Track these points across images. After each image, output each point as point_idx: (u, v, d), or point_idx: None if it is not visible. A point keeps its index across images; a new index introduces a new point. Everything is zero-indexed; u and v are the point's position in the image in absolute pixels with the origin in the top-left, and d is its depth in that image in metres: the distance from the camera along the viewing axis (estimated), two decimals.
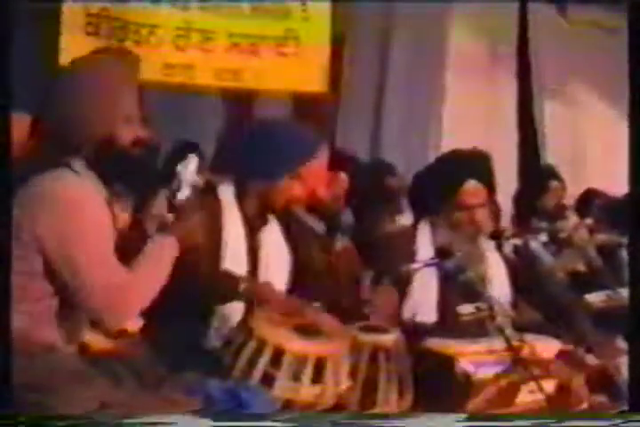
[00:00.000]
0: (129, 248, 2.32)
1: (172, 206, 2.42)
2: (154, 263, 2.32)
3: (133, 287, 2.24)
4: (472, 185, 3.25)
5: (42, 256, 2.19)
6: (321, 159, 2.92)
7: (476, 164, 3.31)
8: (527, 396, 2.84)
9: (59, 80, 2.40)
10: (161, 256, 2.33)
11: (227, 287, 2.76)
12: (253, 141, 2.95)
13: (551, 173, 5.34)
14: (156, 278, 2.31)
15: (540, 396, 2.74)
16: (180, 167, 2.47)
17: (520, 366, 2.77)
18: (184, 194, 2.43)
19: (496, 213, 3.49)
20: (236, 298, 2.78)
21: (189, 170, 2.46)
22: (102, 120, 2.29)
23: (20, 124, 2.36)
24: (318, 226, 3.40)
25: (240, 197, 2.94)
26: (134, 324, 2.67)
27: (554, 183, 5.18)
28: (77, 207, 2.20)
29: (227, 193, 2.94)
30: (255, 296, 2.76)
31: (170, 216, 2.40)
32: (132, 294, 2.24)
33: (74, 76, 2.37)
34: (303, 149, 2.89)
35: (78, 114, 2.28)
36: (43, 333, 2.23)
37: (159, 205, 2.52)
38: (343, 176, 4.35)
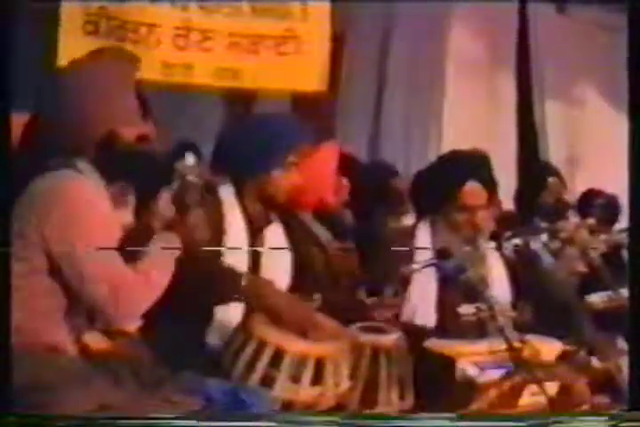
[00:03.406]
0: (134, 245, 2.33)
1: (174, 204, 2.42)
2: (158, 263, 2.33)
3: (139, 287, 2.24)
4: (473, 186, 3.25)
5: (47, 256, 2.19)
6: (322, 154, 2.92)
7: (476, 165, 3.30)
8: (529, 398, 2.85)
9: (57, 80, 2.41)
10: (164, 255, 2.34)
11: (228, 284, 2.75)
12: (244, 135, 2.96)
13: (548, 170, 5.33)
14: (160, 278, 2.32)
15: (542, 398, 2.74)
16: (178, 165, 2.47)
17: (523, 369, 2.76)
18: (184, 191, 2.44)
19: (497, 214, 3.48)
20: (237, 295, 2.77)
21: (188, 166, 2.47)
22: (102, 119, 2.30)
23: (20, 124, 2.36)
24: (322, 233, 3.39)
25: (240, 196, 2.94)
26: (134, 324, 2.67)
27: (552, 179, 5.17)
28: (83, 207, 2.21)
29: (227, 193, 2.94)
30: (256, 293, 2.76)
31: (171, 214, 2.41)
32: (137, 294, 2.25)
33: (71, 76, 2.39)
34: (290, 137, 2.91)
35: (78, 114, 2.29)
36: (48, 332, 2.23)
37: (161, 204, 2.52)
38: (344, 181, 4.34)
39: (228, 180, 2.96)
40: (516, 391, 2.84)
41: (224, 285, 2.73)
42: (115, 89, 2.34)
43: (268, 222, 2.99)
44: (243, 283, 2.70)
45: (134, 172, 2.39)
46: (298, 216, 3.14)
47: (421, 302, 3.22)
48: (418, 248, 3.27)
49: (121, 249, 2.27)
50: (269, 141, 2.88)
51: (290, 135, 2.93)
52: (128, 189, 2.39)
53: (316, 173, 2.91)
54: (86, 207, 2.21)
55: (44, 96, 2.36)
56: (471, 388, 2.77)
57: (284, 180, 2.91)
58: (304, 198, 3.00)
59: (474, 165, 3.30)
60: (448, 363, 2.81)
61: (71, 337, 2.29)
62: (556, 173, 5.24)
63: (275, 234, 3.00)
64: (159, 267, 2.32)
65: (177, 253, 2.35)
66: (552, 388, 2.81)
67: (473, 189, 3.24)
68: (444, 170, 3.32)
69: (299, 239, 3.06)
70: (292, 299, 2.78)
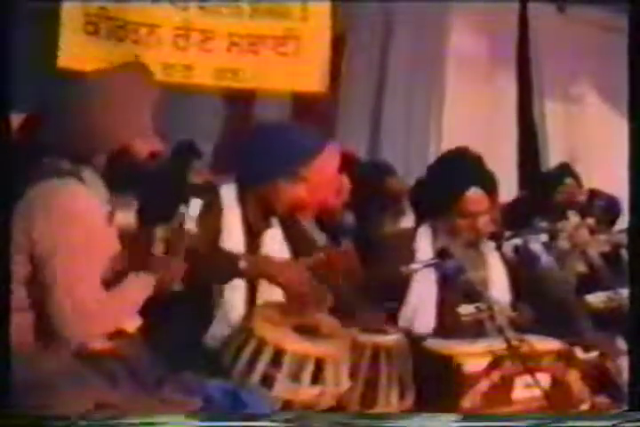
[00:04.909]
0: (130, 257, 2.34)
1: (165, 245, 2.45)
2: (129, 294, 2.32)
3: (104, 311, 2.23)
4: (475, 193, 3.24)
5: (32, 262, 2.18)
6: (327, 162, 2.91)
7: (477, 170, 3.30)
8: (524, 392, 2.85)
9: (74, 88, 2.40)
10: (137, 291, 2.34)
11: (226, 266, 2.75)
12: (253, 144, 2.94)
13: (567, 171, 5.33)
14: (132, 303, 2.32)
15: (536, 392, 2.74)
16: (183, 209, 2.49)
17: (512, 359, 2.78)
18: (181, 237, 2.46)
19: (496, 216, 3.47)
20: (236, 276, 2.77)
21: (191, 215, 2.48)
22: (118, 132, 2.31)
23: (20, 124, 2.36)
24: (320, 236, 3.39)
25: (242, 199, 2.93)
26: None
27: (569, 180, 5.18)
28: (76, 218, 2.19)
29: (228, 194, 2.93)
30: (257, 271, 2.76)
31: (158, 254, 2.43)
32: (100, 317, 2.23)
33: (91, 87, 2.38)
34: (302, 150, 2.88)
35: (93, 124, 2.28)
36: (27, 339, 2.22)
37: (153, 239, 2.54)
38: (345, 180, 4.34)
39: (230, 182, 2.95)
40: (508, 383, 2.84)
41: (222, 265, 2.73)
42: (134, 104, 2.34)
43: (269, 225, 2.99)
44: (241, 263, 2.72)
45: (145, 186, 2.41)
46: (298, 220, 3.13)
47: (421, 302, 3.22)
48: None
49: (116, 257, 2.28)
50: (274, 155, 2.86)
51: (295, 148, 2.89)
52: (134, 202, 2.39)
53: (318, 177, 2.90)
54: (79, 219, 2.19)
55: (59, 102, 2.35)
56: (460, 378, 2.78)
57: (290, 191, 2.89)
58: (306, 202, 2.99)
59: (475, 170, 3.29)
60: (448, 363, 2.82)
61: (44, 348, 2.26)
62: (573, 174, 5.25)
63: (275, 237, 2.99)
64: (129, 298, 2.32)
65: (148, 293, 2.34)
66: (544, 380, 2.81)
67: (475, 196, 3.24)
68: (446, 175, 3.30)
69: (296, 243, 3.06)
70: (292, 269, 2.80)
